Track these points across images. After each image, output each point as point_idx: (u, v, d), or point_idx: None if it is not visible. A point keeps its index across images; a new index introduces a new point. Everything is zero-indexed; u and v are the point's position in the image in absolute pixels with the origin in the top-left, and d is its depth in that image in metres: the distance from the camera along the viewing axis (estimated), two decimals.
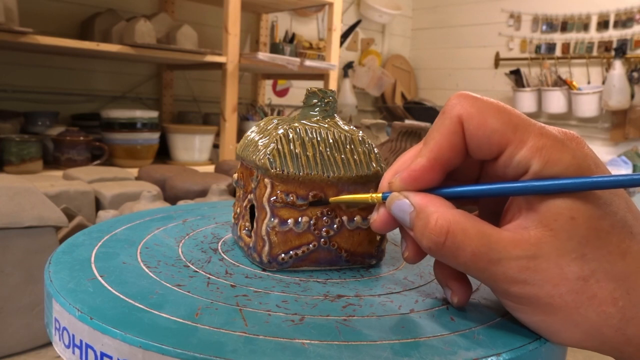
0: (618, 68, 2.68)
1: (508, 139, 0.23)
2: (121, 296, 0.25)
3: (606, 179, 0.21)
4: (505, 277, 0.22)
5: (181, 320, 0.23)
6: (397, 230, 0.25)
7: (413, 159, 0.26)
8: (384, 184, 0.28)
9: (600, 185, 0.22)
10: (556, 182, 0.22)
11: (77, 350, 0.24)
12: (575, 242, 0.22)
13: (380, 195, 0.27)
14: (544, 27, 3.07)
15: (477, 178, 0.27)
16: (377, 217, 0.27)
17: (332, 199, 0.31)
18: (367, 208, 0.31)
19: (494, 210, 0.27)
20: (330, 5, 2.16)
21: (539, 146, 0.22)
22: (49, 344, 1.06)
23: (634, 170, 2.57)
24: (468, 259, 0.23)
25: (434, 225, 0.23)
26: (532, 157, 0.22)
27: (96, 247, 0.33)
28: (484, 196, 0.25)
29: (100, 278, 0.28)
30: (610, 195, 0.23)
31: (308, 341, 0.22)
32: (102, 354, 0.22)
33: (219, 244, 0.35)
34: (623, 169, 2.50)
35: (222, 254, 0.33)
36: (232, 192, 1.36)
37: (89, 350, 0.23)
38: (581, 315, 0.22)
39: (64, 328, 0.24)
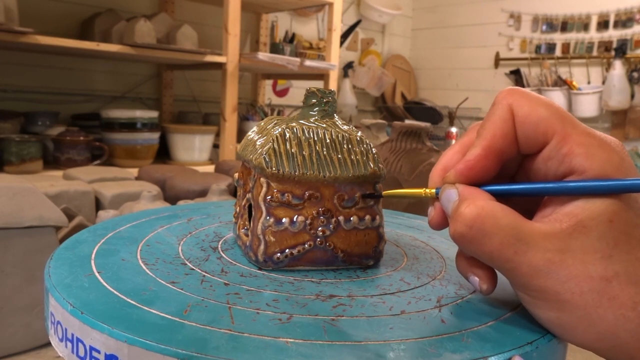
0: (618, 68, 2.67)
1: (555, 130, 0.23)
2: (115, 292, 0.26)
3: None
4: (529, 268, 0.22)
5: (169, 317, 0.23)
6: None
7: (457, 154, 0.26)
8: (433, 179, 0.27)
9: None
10: (611, 182, 0.22)
11: (69, 344, 0.24)
12: (605, 242, 0.22)
13: (434, 190, 0.27)
14: (544, 27, 3.07)
15: (513, 176, 0.27)
16: (433, 214, 0.27)
17: (385, 193, 0.31)
18: (364, 208, 0.32)
19: (525, 207, 0.27)
20: (330, 5, 2.16)
21: (586, 143, 0.22)
22: (48, 344, 1.06)
23: None
24: (495, 247, 0.22)
25: (463, 210, 0.23)
26: (579, 152, 0.22)
27: (98, 244, 0.33)
28: (538, 194, 0.24)
29: (97, 274, 0.28)
30: None
31: (292, 340, 0.22)
32: (91, 348, 0.23)
33: (220, 242, 0.36)
34: None
35: (221, 253, 0.33)
36: (232, 192, 1.36)
37: (80, 344, 0.23)
38: (599, 315, 0.22)
39: (58, 322, 0.25)
